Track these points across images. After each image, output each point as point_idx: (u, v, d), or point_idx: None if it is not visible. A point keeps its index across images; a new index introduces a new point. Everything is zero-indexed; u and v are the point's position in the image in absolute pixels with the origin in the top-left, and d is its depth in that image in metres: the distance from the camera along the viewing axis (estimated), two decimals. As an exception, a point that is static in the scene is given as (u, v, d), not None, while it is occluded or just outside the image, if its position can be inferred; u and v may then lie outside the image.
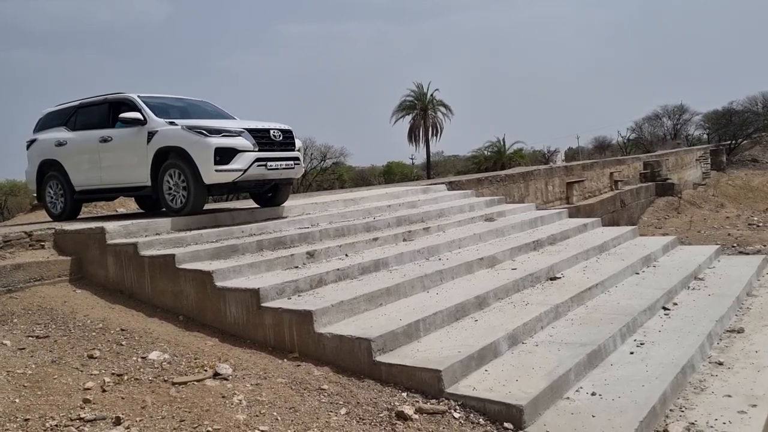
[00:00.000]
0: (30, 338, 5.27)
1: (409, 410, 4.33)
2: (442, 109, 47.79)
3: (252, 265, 6.41)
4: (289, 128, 8.43)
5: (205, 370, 4.81)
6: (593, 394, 4.71)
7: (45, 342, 5.20)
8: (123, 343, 5.29)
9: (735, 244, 16.51)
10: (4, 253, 6.75)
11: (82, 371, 4.67)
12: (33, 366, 4.68)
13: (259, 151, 7.89)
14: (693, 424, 4.47)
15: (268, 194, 9.20)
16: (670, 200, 29.61)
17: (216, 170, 7.62)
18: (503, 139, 46.22)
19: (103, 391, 4.35)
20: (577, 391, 4.79)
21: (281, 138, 8.22)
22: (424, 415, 4.35)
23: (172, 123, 7.99)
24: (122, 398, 4.25)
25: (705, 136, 57.93)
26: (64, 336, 5.36)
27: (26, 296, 6.21)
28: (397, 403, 4.48)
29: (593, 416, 4.33)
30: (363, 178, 49.65)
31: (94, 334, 5.45)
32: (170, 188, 7.96)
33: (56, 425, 3.83)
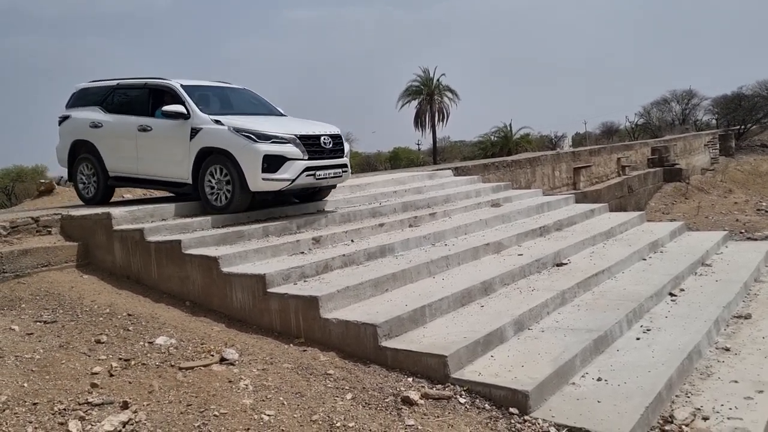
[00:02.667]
0: (38, 323, 5.30)
1: (414, 395, 4.34)
2: (449, 94, 47.48)
3: (258, 250, 6.42)
4: (339, 133, 8.04)
5: (212, 355, 4.83)
6: (599, 379, 4.71)
7: (53, 327, 5.23)
8: (130, 328, 5.31)
9: (743, 230, 16.39)
10: (12, 238, 6.78)
11: (89, 356, 4.70)
12: (41, 351, 4.71)
13: (309, 159, 7.46)
14: (699, 409, 4.46)
15: (309, 191, 8.67)
16: (678, 186, 29.43)
17: (263, 178, 7.21)
18: (510, 125, 45.93)
19: (111, 375, 4.38)
20: (582, 376, 4.79)
21: (331, 145, 7.78)
22: (430, 400, 4.36)
23: (218, 122, 7.49)
24: (129, 383, 4.28)
25: (714, 121, 57.49)
26: (72, 321, 5.39)
27: (34, 282, 6.24)
28: (402, 389, 4.49)
29: (599, 402, 4.33)
30: (369, 164, 49.53)
31: (101, 319, 5.48)
32: (212, 185, 7.49)
33: (64, 409, 3.86)
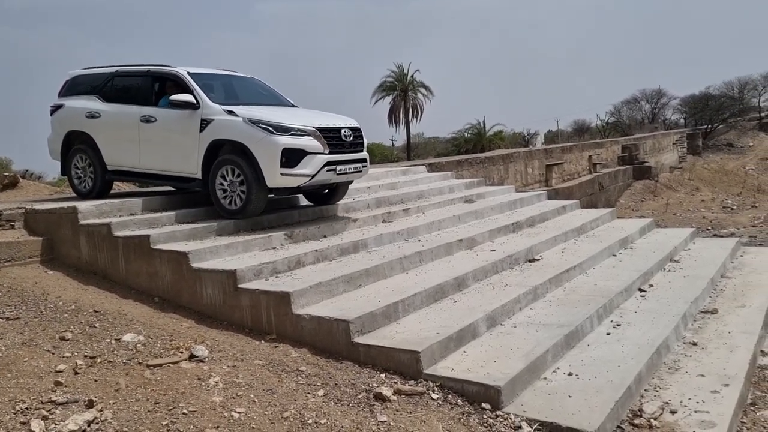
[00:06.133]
0: (0, 320, 5.14)
1: (387, 392, 4.32)
2: (423, 90, 47.60)
3: (229, 245, 6.33)
4: (358, 126, 7.61)
5: (181, 352, 4.74)
6: (570, 374, 4.74)
7: (15, 324, 5.07)
8: (96, 325, 5.18)
9: (710, 227, 16.78)
10: (-27, 233, 6.57)
11: (53, 353, 4.56)
12: (3, 348, 4.56)
13: (330, 153, 7.05)
14: (667, 403, 4.53)
15: (325, 191, 8.33)
16: (647, 183, 30.02)
17: (281, 173, 6.77)
18: (483, 122, 46.27)
19: (76, 373, 4.26)
20: (554, 371, 4.82)
21: (351, 138, 7.38)
22: (403, 396, 4.34)
23: (231, 113, 7.00)
24: (95, 381, 4.17)
25: (682, 120, 58.65)
26: (35, 318, 5.23)
27: (-4, 277, 6.04)
28: (375, 385, 4.47)
29: (570, 396, 4.36)
30: (343, 160, 49.28)
31: (66, 315, 5.34)
32: (225, 188, 7.05)
33: (27, 408, 3.74)
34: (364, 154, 7.71)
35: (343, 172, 7.27)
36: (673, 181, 33.70)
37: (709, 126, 52.03)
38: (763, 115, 56.54)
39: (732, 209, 23.15)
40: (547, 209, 10.52)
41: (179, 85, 7.47)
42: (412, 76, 47.03)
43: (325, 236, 7.30)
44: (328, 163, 7.04)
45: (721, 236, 13.89)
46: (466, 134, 46.78)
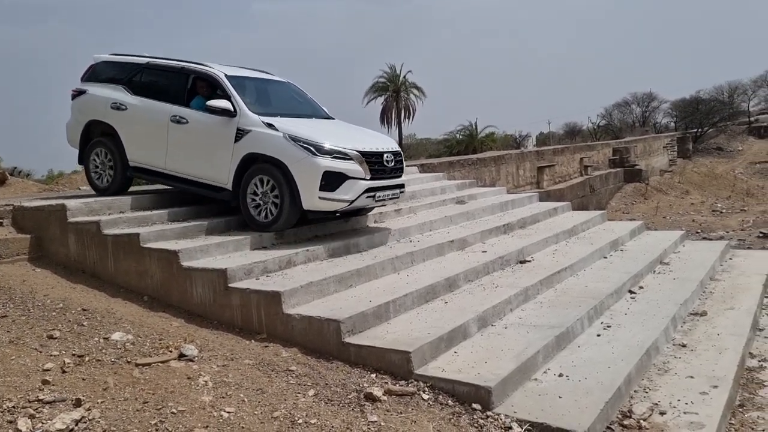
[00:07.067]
0: (-14, 318, 5.08)
1: (377, 392, 4.31)
2: (415, 91, 47.70)
3: (220, 244, 6.29)
4: (400, 150, 7.40)
5: (170, 351, 4.71)
6: (560, 375, 4.75)
7: (2, 322, 5.01)
8: (84, 323, 5.14)
9: (699, 230, 16.91)
10: (-40, 230, 6.50)
11: (41, 352, 4.52)
12: (-11, 346, 4.52)
13: (371, 179, 6.76)
14: (657, 404, 4.55)
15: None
16: (638, 186, 30.21)
17: (320, 197, 6.46)
18: (475, 123, 46.36)
19: (63, 372, 4.22)
20: (545, 372, 4.82)
21: (393, 163, 7.10)
22: (393, 396, 4.33)
23: (270, 125, 6.64)
24: (83, 380, 4.13)
25: (672, 123, 59.06)
26: (23, 316, 5.18)
27: (-17, 275, 5.98)
28: (366, 385, 4.46)
29: (560, 397, 4.37)
30: (335, 160, 49.24)
31: (54, 314, 5.28)
32: (256, 198, 6.75)
33: (14, 407, 3.70)
34: (403, 179, 7.45)
35: (381, 198, 7.02)
36: (664, 184, 33.91)
37: (700, 130, 52.46)
38: (752, 119, 57.12)
39: (721, 212, 23.33)
40: (538, 211, 10.54)
41: (214, 86, 7.14)
42: (404, 76, 47.13)
43: (316, 236, 7.27)
44: (369, 189, 6.76)
45: (711, 239, 14.00)
46: (457, 135, 46.88)
